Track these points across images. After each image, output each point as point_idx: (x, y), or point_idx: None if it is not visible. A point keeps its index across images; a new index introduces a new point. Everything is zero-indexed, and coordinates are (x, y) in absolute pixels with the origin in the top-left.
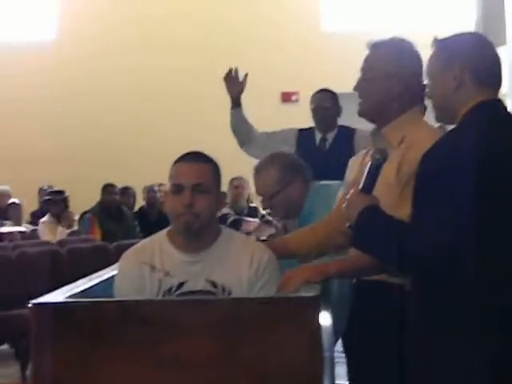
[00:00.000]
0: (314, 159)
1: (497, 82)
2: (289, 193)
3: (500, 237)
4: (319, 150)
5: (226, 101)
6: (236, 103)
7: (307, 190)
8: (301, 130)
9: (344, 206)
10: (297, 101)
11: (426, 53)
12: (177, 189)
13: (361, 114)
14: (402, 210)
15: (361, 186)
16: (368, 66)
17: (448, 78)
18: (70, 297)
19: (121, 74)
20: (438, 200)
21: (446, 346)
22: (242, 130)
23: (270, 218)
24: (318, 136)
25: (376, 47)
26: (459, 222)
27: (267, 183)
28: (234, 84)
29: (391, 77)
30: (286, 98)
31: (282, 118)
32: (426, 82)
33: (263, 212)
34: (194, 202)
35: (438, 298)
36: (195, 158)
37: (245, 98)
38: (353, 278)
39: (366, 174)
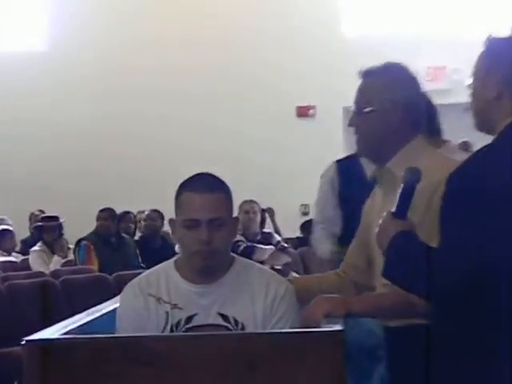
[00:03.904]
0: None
1: None
2: None
3: None
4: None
5: (229, 127)
6: None
7: None
8: (340, 161)
9: (376, 232)
10: (313, 116)
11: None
12: (191, 224)
13: (360, 153)
14: None
15: (393, 211)
16: (362, 98)
17: (489, 85)
18: (65, 333)
19: (120, 96)
20: (468, 223)
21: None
22: None
23: (285, 245)
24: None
25: (368, 76)
26: (490, 248)
27: None
28: None
29: (388, 108)
30: (302, 112)
31: (296, 135)
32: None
33: (278, 238)
34: (211, 238)
35: (466, 333)
36: (208, 186)
37: (255, 112)
38: (378, 318)
39: (398, 197)
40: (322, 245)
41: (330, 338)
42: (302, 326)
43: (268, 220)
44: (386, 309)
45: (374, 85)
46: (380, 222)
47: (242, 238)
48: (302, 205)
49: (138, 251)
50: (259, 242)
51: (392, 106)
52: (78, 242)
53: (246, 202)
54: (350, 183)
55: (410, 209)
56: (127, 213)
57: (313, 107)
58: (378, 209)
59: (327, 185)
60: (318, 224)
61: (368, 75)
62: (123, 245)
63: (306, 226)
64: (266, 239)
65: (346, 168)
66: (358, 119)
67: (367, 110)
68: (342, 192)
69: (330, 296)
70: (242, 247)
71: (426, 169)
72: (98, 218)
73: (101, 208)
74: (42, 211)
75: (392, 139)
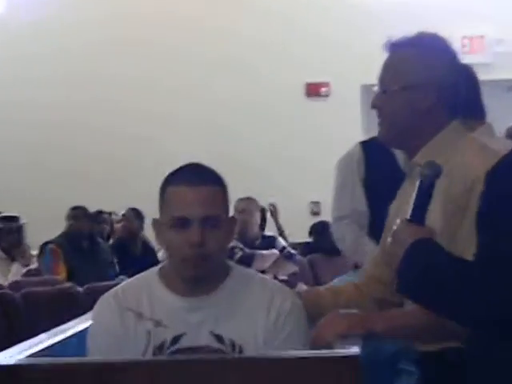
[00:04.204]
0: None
1: None
2: None
3: None
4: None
5: (224, 109)
6: None
7: None
8: (365, 143)
9: (388, 241)
10: (326, 95)
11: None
12: (180, 223)
13: (383, 139)
14: None
15: (409, 215)
16: (388, 75)
17: None
18: (27, 357)
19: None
20: None
21: None
22: None
23: (292, 251)
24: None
25: (396, 48)
26: None
27: None
28: None
29: (419, 87)
30: (313, 90)
31: (306, 118)
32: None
33: (283, 243)
34: (204, 240)
35: None
36: (199, 178)
37: (256, 91)
38: (407, 339)
39: (414, 198)
40: (362, 245)
41: (345, 363)
42: (312, 349)
43: (270, 220)
44: (413, 329)
45: (403, 58)
46: (393, 229)
47: (238, 244)
48: (311, 202)
49: (114, 258)
50: (260, 248)
51: (425, 84)
52: (43, 245)
53: (241, 199)
54: (378, 167)
55: (440, 214)
56: (100, 212)
57: (326, 84)
58: (406, 209)
59: (351, 169)
60: (339, 220)
61: (395, 48)
62: (97, 250)
63: (317, 228)
64: (269, 244)
65: (374, 150)
66: (383, 99)
67: (394, 88)
68: (368, 178)
69: (347, 312)
70: (238, 254)
71: (463, 163)
72: (69, 218)
73: (71, 206)
74: None
75: (423, 125)
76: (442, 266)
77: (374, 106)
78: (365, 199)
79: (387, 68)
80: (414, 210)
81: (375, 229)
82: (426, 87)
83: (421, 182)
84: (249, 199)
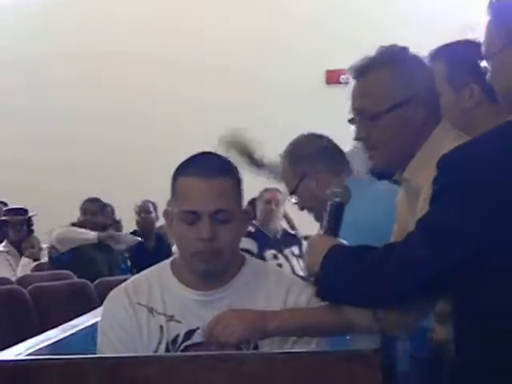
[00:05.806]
0: None
1: None
2: (306, 186)
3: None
4: None
5: (240, 98)
6: None
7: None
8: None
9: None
10: (347, 82)
11: None
12: (190, 217)
13: (380, 169)
14: None
15: (323, 231)
16: (369, 99)
17: (509, 57)
18: (35, 352)
19: None
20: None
21: None
22: None
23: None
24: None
25: (366, 71)
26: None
27: (284, 179)
28: None
29: (408, 101)
30: (332, 78)
31: (325, 105)
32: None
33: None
34: (214, 234)
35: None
36: (211, 169)
37: (278, 79)
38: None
39: (327, 217)
40: None
41: (364, 359)
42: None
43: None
44: (314, 327)
45: (382, 78)
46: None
47: (253, 245)
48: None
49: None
50: (280, 242)
51: (413, 97)
52: None
53: (267, 189)
54: None
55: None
56: (104, 206)
57: (346, 72)
58: (404, 215)
59: None
60: None
61: (366, 70)
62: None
63: None
64: (289, 241)
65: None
66: (371, 127)
67: (382, 110)
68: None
69: (240, 311)
70: None
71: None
72: (85, 212)
73: (88, 198)
74: (4, 203)
75: (421, 138)
76: (364, 258)
77: (359, 138)
78: None
79: (365, 93)
80: (328, 226)
81: None
82: (414, 100)
83: (331, 204)
84: (277, 190)
